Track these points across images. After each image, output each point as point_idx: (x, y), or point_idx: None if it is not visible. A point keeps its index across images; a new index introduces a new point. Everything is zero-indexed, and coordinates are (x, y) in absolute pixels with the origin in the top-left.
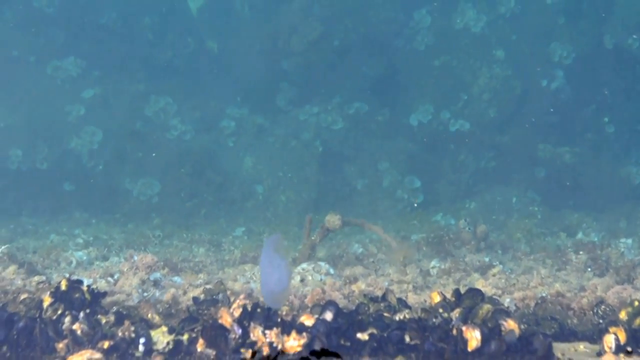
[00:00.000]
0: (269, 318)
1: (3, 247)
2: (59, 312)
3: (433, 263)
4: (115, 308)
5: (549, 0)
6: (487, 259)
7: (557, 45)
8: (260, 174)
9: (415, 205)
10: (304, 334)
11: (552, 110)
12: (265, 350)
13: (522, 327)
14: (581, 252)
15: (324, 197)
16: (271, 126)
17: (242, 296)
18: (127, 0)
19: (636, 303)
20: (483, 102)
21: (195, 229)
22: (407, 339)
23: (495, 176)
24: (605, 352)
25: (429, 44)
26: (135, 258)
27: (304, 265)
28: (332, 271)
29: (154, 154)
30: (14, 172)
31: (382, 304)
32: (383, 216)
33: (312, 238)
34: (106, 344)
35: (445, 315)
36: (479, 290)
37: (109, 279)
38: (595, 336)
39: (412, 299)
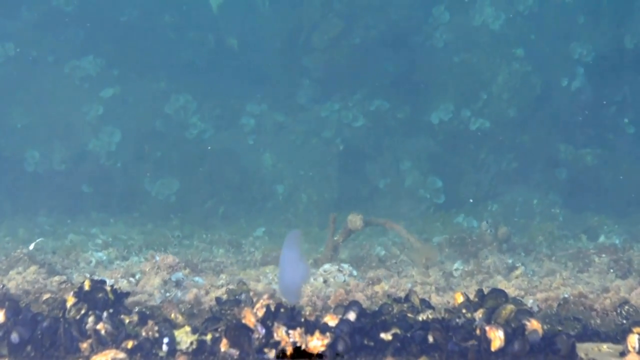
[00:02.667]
0: (292, 318)
1: (38, 240)
2: (83, 312)
3: (456, 265)
4: (138, 308)
5: None
6: (510, 261)
7: (576, 45)
8: (280, 173)
9: (439, 202)
10: (328, 333)
11: (572, 110)
12: (289, 350)
13: (545, 327)
14: (603, 255)
15: (346, 198)
16: (291, 123)
17: (265, 296)
18: None
19: None
20: (503, 101)
21: (214, 229)
22: (431, 339)
23: (516, 177)
24: (629, 352)
25: (447, 40)
26: (157, 258)
27: (327, 266)
28: (355, 273)
29: (173, 154)
30: (31, 174)
31: (405, 305)
32: (405, 218)
33: (335, 239)
34: (130, 344)
35: (469, 315)
36: (502, 291)
37: (131, 279)
38: (618, 336)
39: (435, 300)
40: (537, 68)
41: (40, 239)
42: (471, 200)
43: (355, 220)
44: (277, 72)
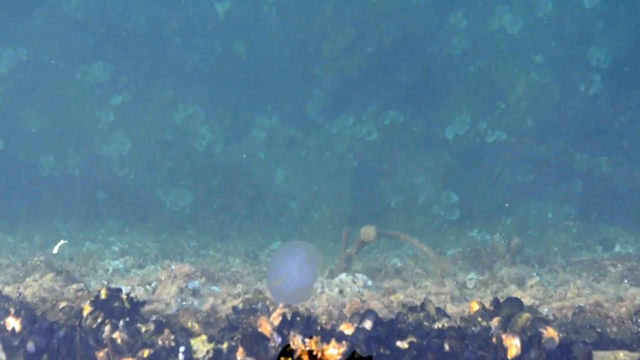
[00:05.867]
0: (308, 326)
1: (61, 243)
2: (99, 320)
3: (470, 276)
4: (154, 317)
5: (588, 5)
6: (524, 272)
7: (595, 49)
8: (293, 188)
9: (453, 219)
10: (344, 342)
11: (589, 118)
12: (305, 359)
13: (561, 335)
14: (618, 265)
15: (359, 213)
16: (303, 137)
17: (281, 305)
18: (155, 3)
19: None
20: (521, 110)
21: (229, 241)
22: (447, 347)
23: (531, 190)
24: None
25: (465, 48)
26: (173, 267)
27: (342, 276)
28: (370, 283)
29: (184, 165)
30: (46, 178)
31: (421, 314)
32: (419, 233)
33: (348, 250)
34: (146, 353)
35: (485, 323)
36: (517, 299)
37: (147, 287)
38: (634, 344)
39: (450, 310)
40: (556, 76)
41: (63, 241)
42: (492, 197)
43: (368, 232)
44: (287, 83)
